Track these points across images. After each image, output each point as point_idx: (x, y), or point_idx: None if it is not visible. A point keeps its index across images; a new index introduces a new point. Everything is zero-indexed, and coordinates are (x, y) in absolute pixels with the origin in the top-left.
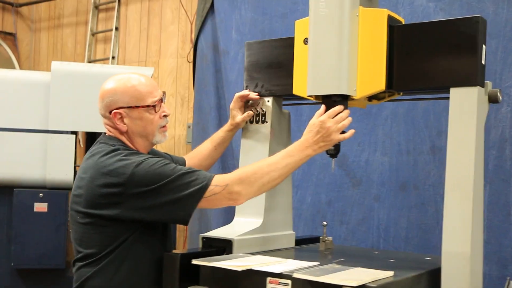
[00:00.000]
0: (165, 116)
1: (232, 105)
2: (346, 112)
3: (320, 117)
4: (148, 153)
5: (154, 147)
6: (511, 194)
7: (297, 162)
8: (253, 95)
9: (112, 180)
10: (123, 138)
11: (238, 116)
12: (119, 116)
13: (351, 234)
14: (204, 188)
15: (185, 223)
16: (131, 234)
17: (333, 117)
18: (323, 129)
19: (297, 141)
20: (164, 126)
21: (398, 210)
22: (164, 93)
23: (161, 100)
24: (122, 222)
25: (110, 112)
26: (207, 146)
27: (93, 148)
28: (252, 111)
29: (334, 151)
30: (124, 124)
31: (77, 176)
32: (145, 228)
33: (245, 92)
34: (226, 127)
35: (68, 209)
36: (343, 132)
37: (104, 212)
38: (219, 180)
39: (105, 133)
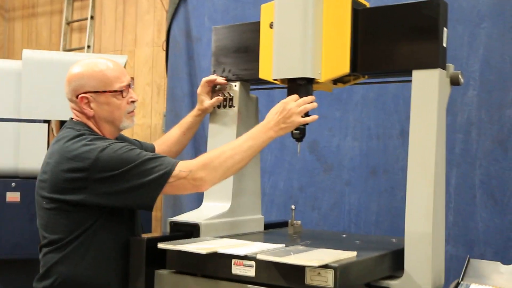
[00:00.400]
0: (132, 102)
1: (199, 90)
2: (311, 97)
3: (284, 100)
4: (117, 139)
5: (123, 132)
6: (477, 177)
7: (259, 144)
8: (220, 79)
9: (77, 165)
10: (90, 123)
11: (206, 101)
12: (86, 101)
13: (323, 219)
14: (168, 173)
15: (149, 208)
16: (96, 220)
17: (295, 100)
18: (284, 110)
19: (259, 123)
20: (131, 112)
21: (368, 195)
22: (132, 78)
23: (128, 86)
24: (87, 207)
25: (77, 97)
26: (175, 132)
27: (60, 133)
28: (220, 95)
29: (300, 134)
30: (91, 109)
31: (43, 161)
32: (110, 214)
33: (212, 76)
34: (194, 112)
35: (35, 195)
36: (307, 116)
37: (68, 197)
38: (183, 166)
39: (71, 118)
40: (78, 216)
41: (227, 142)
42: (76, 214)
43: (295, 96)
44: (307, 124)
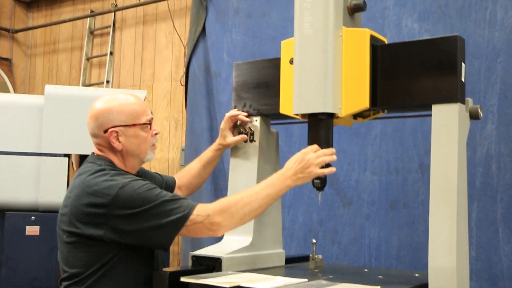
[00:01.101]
0: (156, 134)
1: (223, 125)
2: (331, 149)
3: (303, 149)
4: (138, 173)
5: (144, 165)
6: (499, 210)
7: (277, 192)
8: (243, 117)
9: (97, 200)
10: (113, 157)
11: (229, 137)
12: (115, 135)
13: (343, 253)
14: (186, 216)
15: (165, 249)
16: (115, 254)
17: (315, 151)
18: (303, 160)
19: (278, 171)
20: (154, 144)
21: (388, 229)
22: (151, 112)
23: (151, 119)
24: (105, 242)
25: (106, 131)
26: (196, 165)
27: (81, 168)
28: (241, 130)
29: (320, 184)
30: (120, 142)
31: (65, 195)
32: (129, 249)
33: (236, 112)
34: (215, 146)
35: (56, 228)
36: (325, 167)
37: (88, 232)
38: (201, 210)
39: (93, 152)
40: (97, 250)
41: (249, 177)
42: (96, 248)
43: (315, 146)
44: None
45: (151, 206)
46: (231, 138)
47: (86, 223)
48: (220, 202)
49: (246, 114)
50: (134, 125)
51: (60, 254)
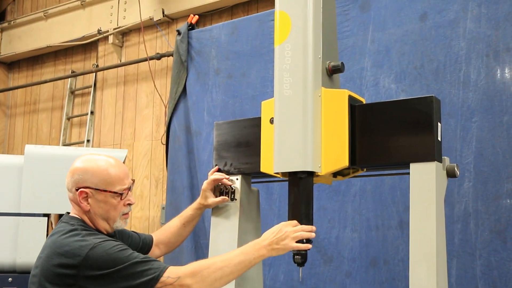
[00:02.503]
0: (129, 204)
1: (205, 186)
2: (310, 226)
3: (284, 222)
4: (115, 231)
5: None
6: (478, 268)
7: (250, 260)
8: (227, 180)
9: (67, 261)
10: (85, 218)
11: (210, 198)
12: (84, 195)
13: None
14: (157, 278)
15: None
16: None
17: (294, 226)
18: (280, 232)
19: (254, 240)
20: (126, 214)
21: (370, 286)
22: (133, 181)
23: (129, 189)
24: None
25: (77, 190)
26: (175, 223)
27: (55, 228)
28: (222, 189)
29: (301, 259)
30: (88, 203)
31: (37, 255)
32: None
33: (219, 176)
34: (195, 205)
35: None
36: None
37: None
38: (172, 272)
39: (68, 212)
40: None
41: (230, 236)
42: None
43: (294, 221)
44: (306, 250)
45: (122, 267)
46: (212, 199)
47: (56, 284)
48: (192, 265)
49: (228, 177)
50: (105, 191)
51: None
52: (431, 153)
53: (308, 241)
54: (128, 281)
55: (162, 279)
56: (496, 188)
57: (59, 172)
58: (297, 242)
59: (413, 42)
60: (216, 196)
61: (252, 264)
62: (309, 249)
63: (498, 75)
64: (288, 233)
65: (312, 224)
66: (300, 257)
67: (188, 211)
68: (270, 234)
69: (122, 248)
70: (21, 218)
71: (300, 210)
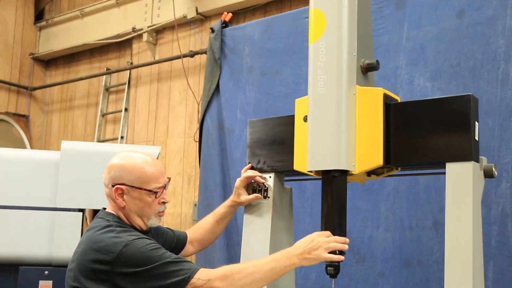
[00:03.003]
0: (163, 202)
1: (238, 183)
2: (344, 238)
3: (317, 232)
4: (150, 228)
5: None
6: None
7: (281, 268)
8: (259, 178)
9: (101, 257)
10: (121, 214)
11: (243, 195)
12: (120, 192)
13: None
14: (187, 280)
15: None
16: None
17: (328, 236)
18: (313, 241)
19: (287, 248)
20: (161, 212)
21: (402, 287)
22: (169, 179)
23: (164, 187)
24: None
25: (113, 186)
26: (209, 221)
27: (91, 223)
28: (255, 187)
29: (334, 271)
30: (123, 200)
31: (74, 250)
32: None
33: (252, 173)
34: (228, 202)
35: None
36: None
37: (92, 287)
38: (202, 274)
39: (104, 208)
40: None
41: (263, 234)
42: None
43: (328, 232)
44: (339, 261)
45: (153, 266)
46: (245, 197)
47: (90, 279)
48: (223, 269)
49: (261, 175)
50: (140, 188)
51: None
52: (468, 153)
53: (341, 252)
54: (159, 281)
55: (193, 280)
56: None
57: (94, 168)
58: (329, 253)
59: (450, 40)
60: (249, 194)
61: (283, 272)
62: (341, 261)
63: None
64: (321, 243)
65: (345, 235)
66: (333, 269)
67: (221, 209)
68: (302, 244)
69: (155, 247)
70: (57, 213)
71: (334, 220)
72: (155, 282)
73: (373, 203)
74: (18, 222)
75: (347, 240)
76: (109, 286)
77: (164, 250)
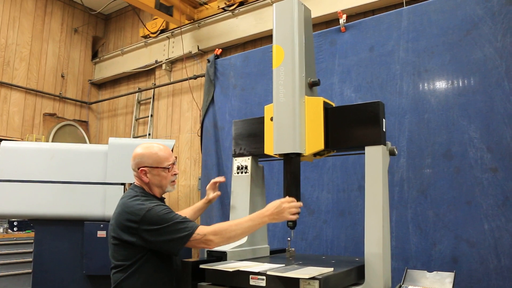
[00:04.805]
0: (174, 174)
1: (208, 186)
2: (300, 203)
3: (282, 199)
4: (162, 198)
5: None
6: (409, 215)
7: (256, 225)
8: (221, 178)
9: (131, 217)
10: (145, 187)
11: (211, 195)
12: (144, 172)
13: (308, 246)
14: (190, 234)
15: (175, 255)
16: (144, 254)
17: (289, 202)
18: (280, 207)
19: (260, 210)
20: (173, 181)
21: (338, 229)
22: (176, 157)
23: (173, 164)
24: (136, 246)
25: (138, 169)
26: (189, 211)
27: (125, 193)
28: (238, 166)
29: (293, 225)
30: (147, 178)
31: (114, 211)
32: (153, 252)
33: (216, 179)
34: (203, 200)
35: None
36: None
37: (125, 238)
38: (200, 230)
39: (133, 183)
40: (132, 250)
41: (244, 196)
42: (131, 248)
43: (291, 199)
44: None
45: (167, 224)
46: (212, 195)
47: (124, 232)
48: (215, 226)
49: (223, 178)
50: (157, 167)
51: (109, 251)
52: (379, 139)
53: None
54: (171, 235)
55: (194, 235)
56: (420, 162)
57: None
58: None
59: (365, 65)
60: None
61: (257, 227)
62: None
63: (420, 87)
64: (285, 208)
65: (300, 200)
66: (292, 224)
67: (199, 204)
68: (271, 207)
69: (168, 211)
70: (107, 186)
71: (292, 189)
72: (169, 236)
73: (319, 174)
74: (82, 192)
75: (301, 204)
76: (137, 238)
77: (174, 213)
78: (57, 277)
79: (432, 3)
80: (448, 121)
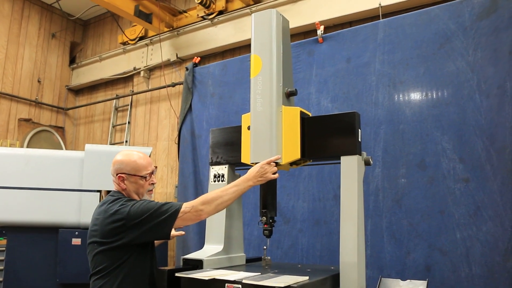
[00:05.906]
0: (152, 184)
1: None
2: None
3: (261, 163)
4: None
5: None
6: (384, 224)
7: (241, 190)
8: (180, 233)
9: (117, 217)
10: (123, 193)
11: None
12: (122, 179)
13: (284, 255)
14: (178, 211)
15: (168, 237)
16: (128, 257)
17: (269, 164)
18: (262, 168)
19: (242, 176)
20: (150, 190)
21: (314, 238)
22: (156, 167)
23: (151, 173)
24: (123, 248)
25: (117, 175)
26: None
27: (104, 199)
28: (215, 174)
29: (269, 234)
30: (124, 184)
31: (93, 218)
32: (137, 253)
33: (175, 233)
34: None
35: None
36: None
37: (111, 240)
38: (187, 204)
39: (113, 190)
40: (116, 254)
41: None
42: (115, 252)
43: (269, 160)
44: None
45: (153, 211)
46: (173, 233)
47: (110, 235)
48: (202, 197)
49: (182, 233)
50: (135, 175)
51: (90, 258)
52: (354, 149)
53: (271, 226)
54: (159, 217)
55: (182, 210)
56: (395, 172)
57: (107, 162)
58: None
59: (342, 76)
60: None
61: (243, 192)
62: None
63: (396, 98)
64: (267, 169)
65: (276, 207)
66: (268, 232)
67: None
68: (253, 171)
69: (149, 201)
70: (82, 193)
71: (268, 199)
72: (157, 219)
73: (295, 183)
74: (57, 199)
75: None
76: (125, 235)
77: (155, 202)
78: (29, 285)
79: (407, 16)
80: (422, 132)
